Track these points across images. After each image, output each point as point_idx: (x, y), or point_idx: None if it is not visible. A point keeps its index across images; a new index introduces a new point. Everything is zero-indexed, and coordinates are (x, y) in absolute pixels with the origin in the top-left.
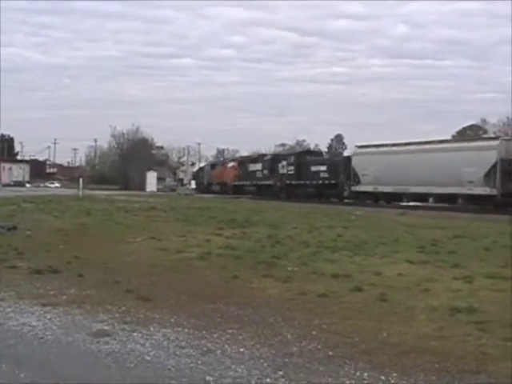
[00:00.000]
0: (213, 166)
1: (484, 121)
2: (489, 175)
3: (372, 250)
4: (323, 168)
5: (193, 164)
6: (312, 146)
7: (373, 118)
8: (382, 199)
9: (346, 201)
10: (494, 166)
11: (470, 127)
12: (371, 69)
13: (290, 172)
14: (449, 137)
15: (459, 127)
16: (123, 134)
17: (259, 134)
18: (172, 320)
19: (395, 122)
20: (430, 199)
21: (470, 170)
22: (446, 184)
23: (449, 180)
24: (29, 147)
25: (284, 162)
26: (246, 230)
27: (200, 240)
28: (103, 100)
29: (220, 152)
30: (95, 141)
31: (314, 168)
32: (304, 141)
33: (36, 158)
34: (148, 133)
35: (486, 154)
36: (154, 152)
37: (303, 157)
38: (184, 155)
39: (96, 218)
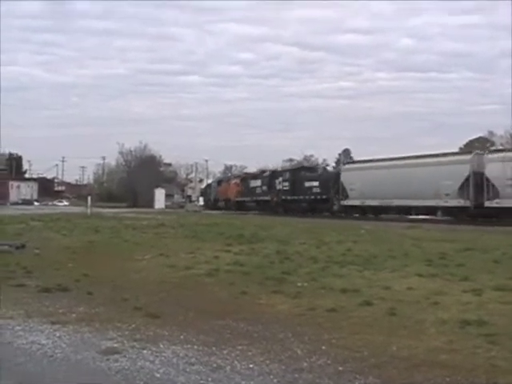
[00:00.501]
0: (219, 182)
1: (491, 133)
2: (463, 188)
3: (381, 264)
4: (316, 183)
5: (201, 180)
6: (320, 161)
7: (379, 132)
8: (369, 212)
9: (343, 215)
10: (467, 179)
11: (477, 139)
12: (377, 82)
13: (285, 188)
14: (456, 149)
15: (465, 140)
16: (131, 151)
17: (267, 149)
18: (181, 337)
19: (401, 135)
20: (412, 212)
21: (446, 183)
22: (426, 197)
23: (428, 193)
24: (37, 165)
25: (280, 178)
26: (254, 246)
27: (208, 256)
28: (110, 118)
29: (228, 168)
30: (103, 158)
31: (307, 184)
32: (312, 156)
33: (44, 176)
34: (156, 150)
35: (460, 168)
36: (162, 169)
37: (298, 173)
38: (192, 172)
39: (104, 236)
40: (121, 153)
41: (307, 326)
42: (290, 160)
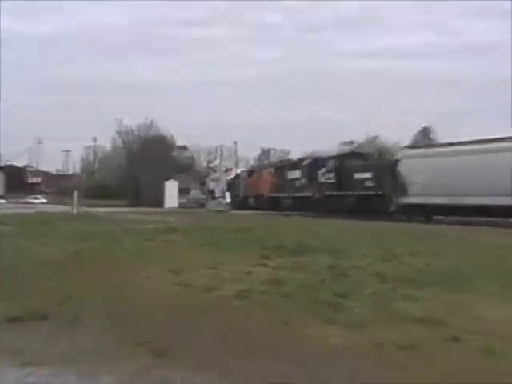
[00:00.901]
0: (250, 173)
1: None
2: None
3: (472, 284)
4: (368, 175)
5: (227, 170)
6: (390, 144)
7: (473, 104)
8: (434, 213)
9: (404, 217)
10: None
11: None
12: (474, 36)
13: (329, 180)
14: None
15: None
16: (132, 130)
17: (318, 127)
18: (198, 382)
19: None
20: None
21: None
22: (507, 193)
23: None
24: (3, 149)
25: (323, 169)
26: (298, 259)
27: (237, 273)
28: (105, 84)
29: (265, 153)
30: (94, 140)
31: (357, 175)
32: (377, 137)
33: (13, 164)
34: (166, 128)
35: None
36: (174, 154)
37: (345, 161)
38: (215, 158)
39: (96, 244)
40: (119, 132)
41: (372, 370)
42: (350, 143)
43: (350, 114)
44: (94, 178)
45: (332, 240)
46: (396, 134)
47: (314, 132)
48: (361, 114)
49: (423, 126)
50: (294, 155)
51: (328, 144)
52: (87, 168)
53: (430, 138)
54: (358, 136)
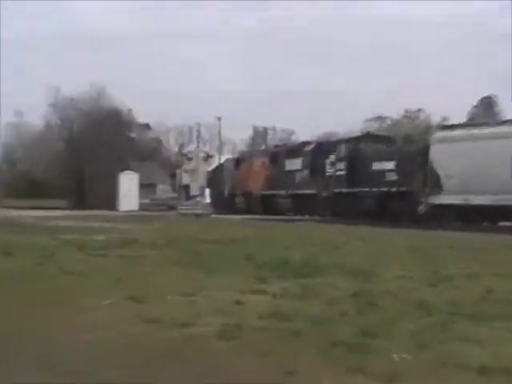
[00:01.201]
0: (237, 162)
1: None
2: None
3: None
4: (390, 165)
5: (208, 158)
6: (436, 120)
7: None
8: (477, 217)
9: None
10: None
11: None
12: None
13: (339, 172)
14: None
15: None
16: (72, 99)
17: (336, 99)
18: None
19: None
20: None
21: None
22: None
23: None
24: None
25: (332, 157)
26: (308, 282)
27: (222, 302)
28: (35, 36)
29: (260, 134)
30: (19, 115)
31: (376, 165)
32: (420, 110)
33: None
34: (121, 99)
35: None
36: (133, 135)
37: (360, 146)
38: (191, 141)
39: (24, 262)
40: (54, 105)
41: None
42: (379, 118)
43: (384, 80)
44: (17, 170)
45: (351, 255)
46: (445, 106)
47: (330, 104)
48: (397, 83)
49: (484, 95)
50: (301, 137)
51: (347, 121)
52: (9, 155)
53: (495, 113)
54: (390, 111)
